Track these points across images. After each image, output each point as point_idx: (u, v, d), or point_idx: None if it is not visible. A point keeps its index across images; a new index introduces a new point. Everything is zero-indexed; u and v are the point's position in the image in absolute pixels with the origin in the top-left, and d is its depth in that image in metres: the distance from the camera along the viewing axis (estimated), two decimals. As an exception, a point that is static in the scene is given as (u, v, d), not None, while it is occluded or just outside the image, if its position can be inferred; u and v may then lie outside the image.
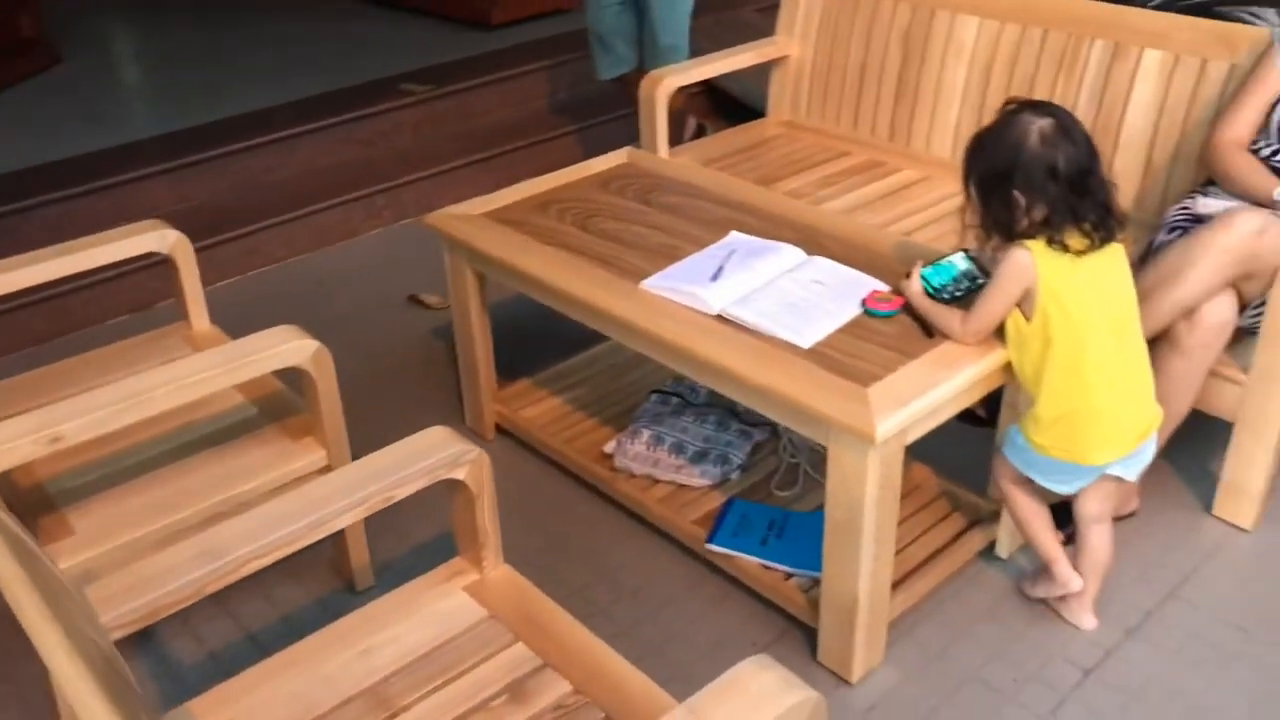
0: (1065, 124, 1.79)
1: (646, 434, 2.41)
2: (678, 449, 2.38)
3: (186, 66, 4.81)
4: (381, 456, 1.63)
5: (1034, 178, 1.77)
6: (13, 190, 3.40)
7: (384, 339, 3.15)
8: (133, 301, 3.29)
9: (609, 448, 2.45)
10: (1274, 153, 2.29)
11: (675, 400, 2.53)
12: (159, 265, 2.44)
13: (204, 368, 1.88)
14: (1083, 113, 2.71)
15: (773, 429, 2.48)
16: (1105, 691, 1.96)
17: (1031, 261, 1.79)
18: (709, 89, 4.02)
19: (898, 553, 2.08)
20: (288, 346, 1.93)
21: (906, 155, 3.13)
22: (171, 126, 3.93)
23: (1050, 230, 1.78)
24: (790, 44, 3.39)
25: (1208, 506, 2.35)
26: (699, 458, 2.36)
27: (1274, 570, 2.22)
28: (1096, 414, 1.84)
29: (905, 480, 2.21)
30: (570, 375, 2.79)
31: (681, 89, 3.22)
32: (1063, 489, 1.96)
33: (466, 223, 2.45)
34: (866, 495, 1.79)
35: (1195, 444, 2.38)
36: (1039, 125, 1.78)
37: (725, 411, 2.49)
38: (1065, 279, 1.79)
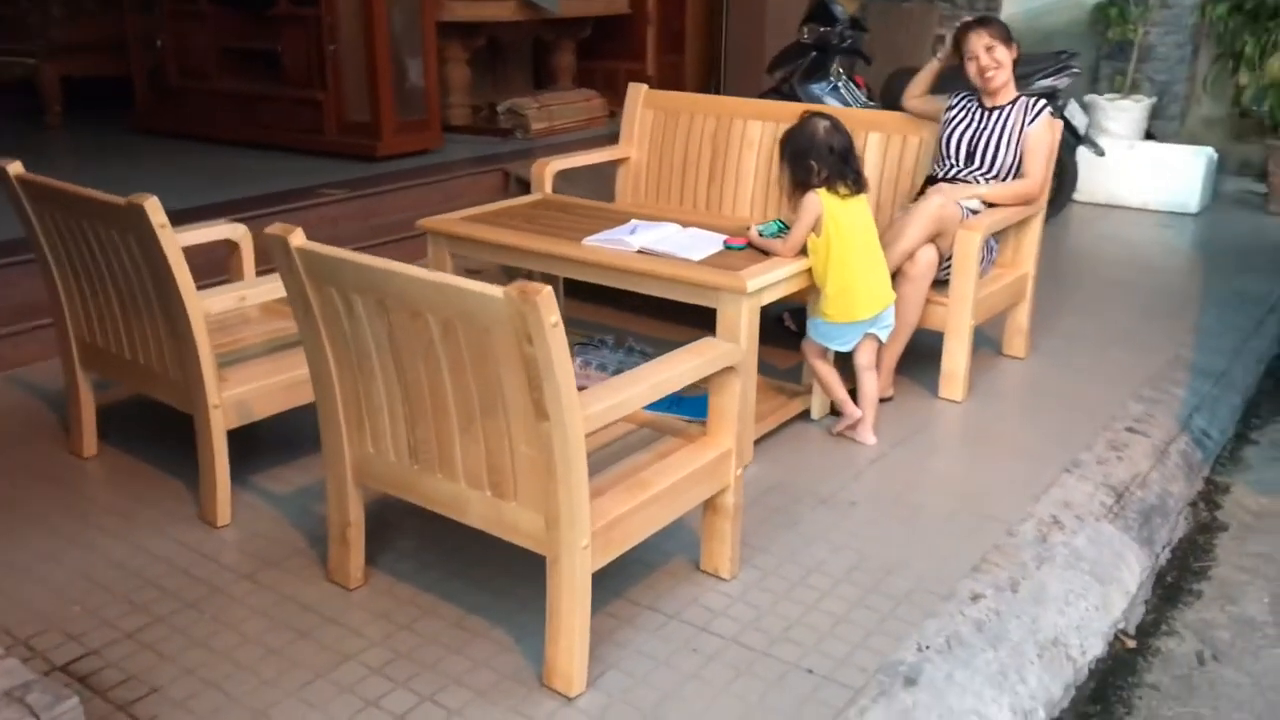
0: (836, 124, 3.19)
1: (579, 360, 3.56)
2: (601, 368, 3.54)
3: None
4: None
5: (822, 152, 3.13)
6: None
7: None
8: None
9: (551, 373, 3.57)
10: (948, 170, 3.80)
11: (591, 347, 3.70)
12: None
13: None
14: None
15: (659, 358, 3.68)
16: (881, 472, 3.22)
17: (819, 200, 3.13)
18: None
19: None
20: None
21: (719, 219, 4.50)
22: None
23: (829, 183, 3.14)
24: (630, 149, 4.77)
25: (935, 393, 3.72)
26: (615, 374, 3.51)
27: (971, 419, 3.61)
28: (855, 289, 3.17)
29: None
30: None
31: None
32: (843, 346, 3.26)
33: (448, 223, 3.61)
34: (742, 332, 3.01)
35: (926, 361, 3.76)
36: (823, 124, 3.17)
37: (627, 348, 3.69)
38: (838, 210, 3.14)
